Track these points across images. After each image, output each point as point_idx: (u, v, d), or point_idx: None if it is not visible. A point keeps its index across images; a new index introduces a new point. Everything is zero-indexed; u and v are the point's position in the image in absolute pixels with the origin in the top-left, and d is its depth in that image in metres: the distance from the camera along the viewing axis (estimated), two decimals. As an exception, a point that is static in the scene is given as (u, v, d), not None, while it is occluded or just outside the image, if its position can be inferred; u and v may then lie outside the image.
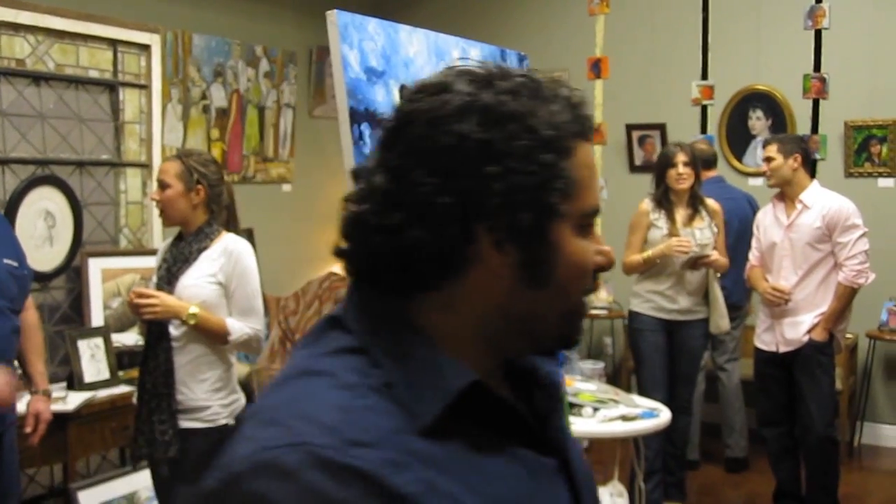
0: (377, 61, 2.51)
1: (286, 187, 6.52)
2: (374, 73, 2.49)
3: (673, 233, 4.32)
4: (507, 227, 0.82)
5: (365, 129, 2.43)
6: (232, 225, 3.17)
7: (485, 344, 0.87)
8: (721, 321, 4.45)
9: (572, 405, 3.35)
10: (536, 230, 0.83)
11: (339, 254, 0.89)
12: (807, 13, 5.70)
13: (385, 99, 2.50)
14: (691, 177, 4.35)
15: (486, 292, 0.85)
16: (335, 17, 2.39)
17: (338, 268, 6.68)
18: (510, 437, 0.86)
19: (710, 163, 5.11)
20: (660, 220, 4.36)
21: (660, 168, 4.40)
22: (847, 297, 4.19)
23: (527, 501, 0.84)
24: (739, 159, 5.96)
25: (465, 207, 0.81)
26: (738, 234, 4.71)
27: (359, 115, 2.42)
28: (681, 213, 4.38)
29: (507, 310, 0.86)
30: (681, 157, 4.33)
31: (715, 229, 4.43)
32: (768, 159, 4.38)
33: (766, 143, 4.54)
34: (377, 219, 0.83)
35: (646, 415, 3.70)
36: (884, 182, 5.54)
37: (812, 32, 5.70)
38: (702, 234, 4.36)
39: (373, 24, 2.52)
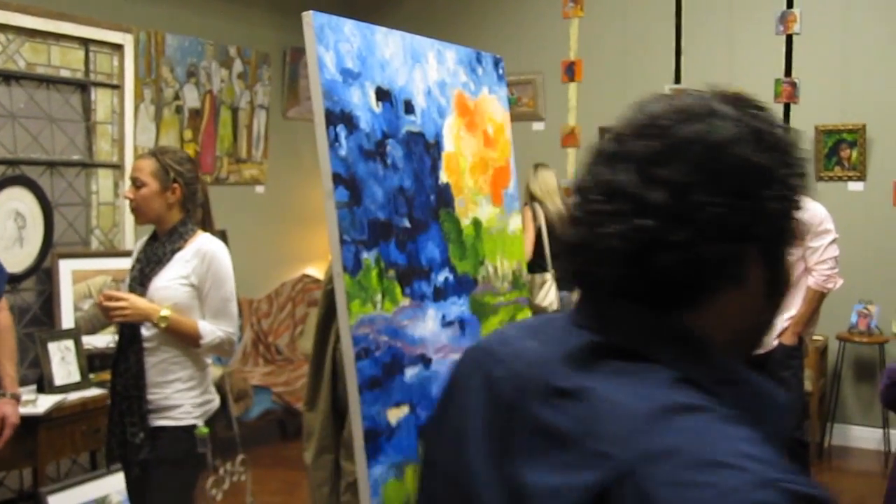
0: (353, 63, 2.50)
1: (259, 189, 6.49)
2: (349, 75, 2.48)
3: None
4: (773, 247, 0.90)
5: (341, 130, 2.42)
6: (207, 224, 3.14)
7: (735, 354, 0.91)
8: None
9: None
10: (787, 250, 0.92)
11: (590, 273, 0.90)
12: (778, 18, 5.76)
13: (361, 101, 2.50)
14: None
15: (746, 306, 0.90)
16: (311, 19, 2.38)
17: (311, 269, 6.66)
18: None
19: None
20: None
21: None
22: (816, 301, 4.23)
23: None
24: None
25: (747, 227, 0.86)
26: None
27: (334, 117, 2.41)
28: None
29: (755, 321, 0.93)
30: None
31: None
32: None
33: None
34: (663, 234, 0.84)
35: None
36: (854, 186, 5.60)
37: (783, 37, 5.77)
38: None
39: (349, 26, 2.52)
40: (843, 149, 5.64)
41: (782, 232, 0.90)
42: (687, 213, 0.85)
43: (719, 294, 0.88)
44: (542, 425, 0.86)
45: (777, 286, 0.92)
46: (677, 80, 6.05)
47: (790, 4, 5.74)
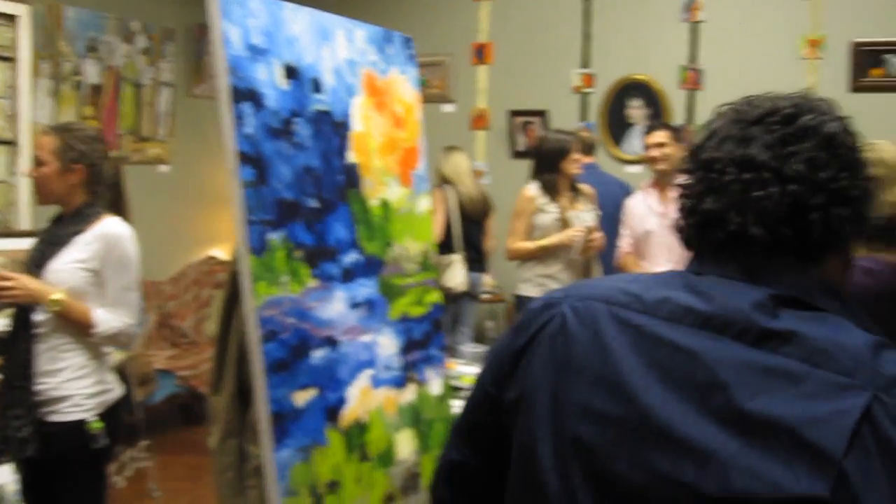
0: (260, 39, 2.45)
1: (164, 168, 6.33)
2: (256, 51, 2.43)
3: (564, 217, 4.41)
4: (865, 218, 1.09)
5: (247, 108, 2.37)
6: (120, 208, 2.95)
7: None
8: None
9: (455, 388, 3.36)
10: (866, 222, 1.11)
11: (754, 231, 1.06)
12: (683, 6, 5.87)
13: (268, 78, 2.45)
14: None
15: (842, 263, 1.11)
16: (216, -8, 2.32)
17: (217, 251, 6.54)
18: None
19: (588, 149, 5.23)
20: (548, 205, 4.43)
21: (555, 155, 4.46)
22: None
23: None
24: (618, 146, 6.09)
25: (856, 198, 1.06)
26: (611, 219, 4.81)
27: (240, 94, 2.36)
28: (565, 198, 4.48)
29: (843, 277, 1.13)
30: (577, 146, 4.46)
31: (599, 211, 4.56)
32: (660, 145, 4.48)
33: (654, 129, 4.64)
34: (806, 198, 1.04)
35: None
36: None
37: (689, 25, 5.88)
38: (588, 217, 4.47)
39: (255, 2, 2.46)
40: (745, 135, 5.77)
41: (868, 209, 1.10)
42: (821, 182, 1.04)
43: (834, 252, 1.08)
44: (761, 364, 0.97)
45: (851, 256, 1.13)
46: (585, 64, 6.13)
47: (695, -8, 5.86)
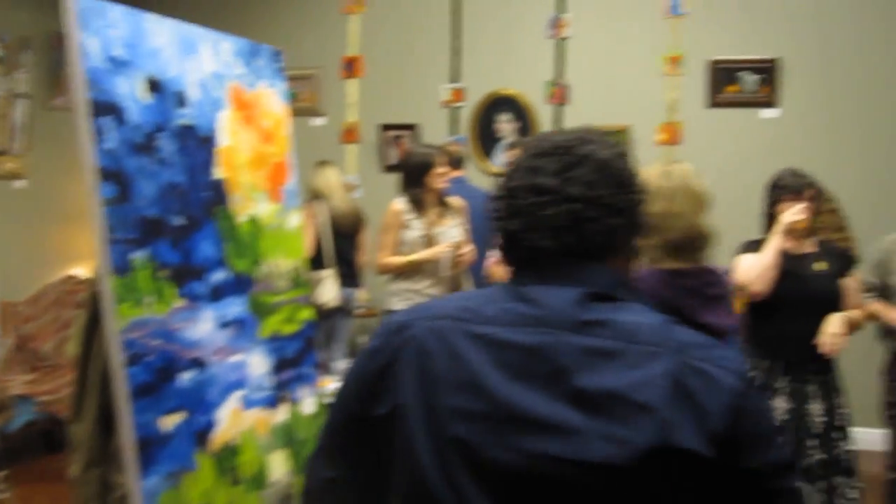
0: (121, 50, 2.36)
1: (19, 184, 6.04)
2: (117, 63, 2.34)
3: (429, 233, 4.41)
4: (637, 223, 1.34)
5: (107, 122, 2.28)
6: None
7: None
8: None
9: (329, 406, 3.32)
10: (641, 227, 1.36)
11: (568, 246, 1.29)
12: (550, 22, 6.00)
13: (130, 91, 2.36)
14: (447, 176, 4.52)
15: (625, 260, 1.35)
16: (72, 2, 2.23)
17: (78, 269, 6.29)
18: None
19: (456, 163, 5.27)
20: (414, 220, 4.42)
21: (419, 170, 4.45)
22: None
23: None
24: (488, 160, 6.15)
25: (625, 209, 1.30)
26: (478, 231, 4.85)
27: (100, 108, 2.27)
28: (432, 213, 4.48)
29: (628, 271, 1.37)
30: (442, 160, 4.46)
31: (467, 225, 4.59)
32: None
33: (515, 146, 4.72)
34: (584, 213, 1.27)
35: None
36: (619, 184, 5.90)
37: (555, 41, 6.00)
38: (454, 232, 4.49)
39: (116, 11, 2.37)
40: (610, 149, 5.92)
41: (639, 217, 1.34)
42: (595, 199, 1.28)
43: (615, 253, 1.31)
44: (588, 347, 1.21)
45: (635, 251, 1.37)
46: (454, 79, 6.18)
47: (561, 9, 5.99)
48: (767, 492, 1.19)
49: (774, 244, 3.48)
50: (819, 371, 3.55)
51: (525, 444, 1.19)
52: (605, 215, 1.28)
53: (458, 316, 1.30)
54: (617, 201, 1.29)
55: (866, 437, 4.41)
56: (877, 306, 4.03)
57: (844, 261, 3.83)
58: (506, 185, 1.34)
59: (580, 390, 1.18)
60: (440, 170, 4.44)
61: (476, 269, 4.72)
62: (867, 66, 5.55)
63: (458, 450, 1.23)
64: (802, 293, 3.52)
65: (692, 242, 2.35)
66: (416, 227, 4.41)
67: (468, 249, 4.46)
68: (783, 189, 3.62)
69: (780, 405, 3.48)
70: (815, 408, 3.48)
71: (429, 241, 4.42)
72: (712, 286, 2.30)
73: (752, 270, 3.47)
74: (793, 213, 3.51)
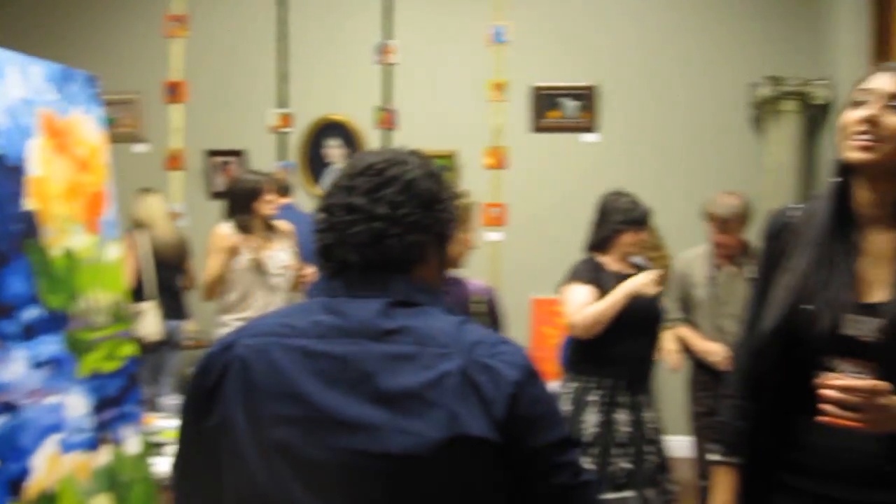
0: (-85, 75, 2.20)
1: None
2: (-89, 89, 2.18)
3: (257, 257, 4.36)
4: (443, 239, 1.49)
5: None
6: None
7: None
8: None
9: (155, 444, 3.18)
10: (449, 242, 1.52)
11: (370, 261, 1.44)
12: (376, 48, 6.03)
13: (-74, 118, 2.20)
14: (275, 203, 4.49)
15: (433, 271, 1.50)
16: None
17: None
18: None
19: (284, 190, 5.23)
20: (241, 246, 4.36)
21: (247, 196, 4.39)
22: None
23: None
24: (318, 185, 6.11)
25: (430, 226, 1.46)
26: (310, 257, 4.83)
27: None
28: (259, 238, 4.43)
29: (438, 279, 1.52)
30: (270, 186, 4.43)
31: (294, 249, 4.56)
32: None
33: None
34: (387, 231, 1.42)
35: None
36: (450, 207, 5.98)
37: (383, 67, 6.04)
38: (284, 256, 4.45)
39: None
40: (439, 173, 6.00)
41: (448, 229, 1.50)
42: (399, 217, 1.43)
43: (421, 264, 1.46)
44: (389, 353, 1.37)
45: (445, 261, 1.53)
46: (282, 104, 6.11)
47: (388, 36, 6.04)
48: (551, 466, 1.38)
49: (617, 300, 3.52)
50: (646, 386, 3.69)
51: (337, 443, 1.35)
52: (408, 232, 1.44)
53: (276, 332, 1.44)
54: (421, 219, 1.45)
55: (679, 445, 4.63)
56: (683, 332, 4.27)
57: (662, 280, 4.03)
58: (325, 201, 1.49)
59: (382, 392, 1.35)
60: (268, 196, 4.39)
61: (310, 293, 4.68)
62: (679, 91, 5.86)
63: (280, 451, 1.38)
64: (632, 313, 3.63)
65: None
66: (244, 253, 4.34)
67: (310, 271, 4.44)
68: (631, 222, 3.75)
69: (591, 418, 3.57)
70: (623, 418, 3.59)
71: (257, 265, 4.36)
72: (448, 294, 2.60)
73: (587, 317, 3.52)
74: (646, 283, 3.61)
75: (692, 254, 4.36)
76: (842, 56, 5.29)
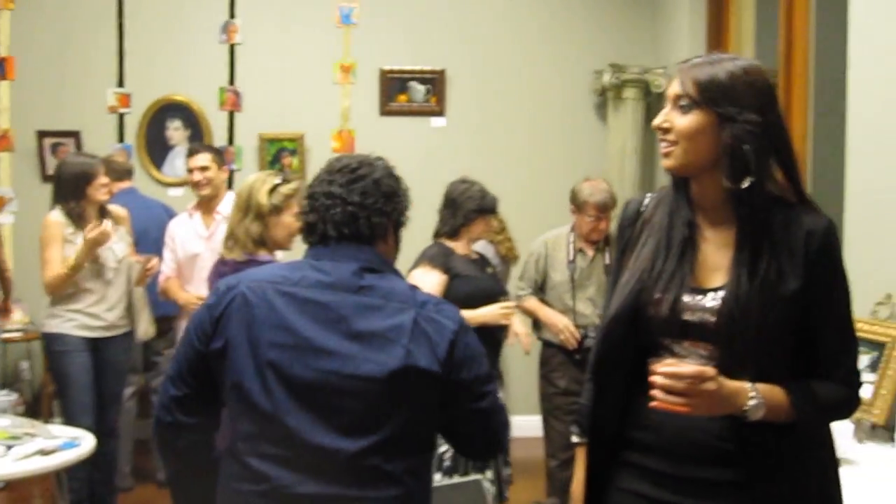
0: None
1: None
2: None
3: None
4: (399, 223, 2.04)
5: None
6: None
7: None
8: (150, 328, 4.45)
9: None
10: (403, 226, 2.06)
11: (350, 233, 1.97)
12: (221, 28, 5.84)
13: None
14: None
15: (391, 246, 2.05)
16: None
17: None
18: None
19: (125, 174, 5.01)
20: (74, 234, 4.11)
21: (78, 181, 4.13)
22: None
23: None
24: (159, 169, 5.88)
25: (391, 213, 1.99)
26: (157, 244, 4.63)
27: None
28: (92, 225, 4.13)
29: (394, 254, 2.07)
30: (102, 170, 4.17)
31: (129, 238, 4.33)
32: (203, 168, 4.40)
33: (195, 152, 4.54)
34: (359, 212, 1.95)
35: (66, 445, 3.46)
36: (295, 191, 5.87)
37: (227, 47, 5.86)
38: (120, 248, 4.22)
39: None
40: (285, 156, 5.87)
41: (402, 218, 2.05)
42: (368, 204, 1.95)
43: (382, 241, 1.99)
44: (361, 303, 1.88)
45: (398, 241, 2.07)
46: (120, 83, 5.85)
47: (232, 15, 5.85)
48: (478, 394, 1.92)
49: (476, 323, 3.38)
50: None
51: (318, 365, 1.85)
52: (373, 215, 1.96)
53: (272, 280, 1.93)
54: (382, 206, 1.98)
55: (530, 425, 4.71)
56: (531, 303, 4.33)
57: (506, 261, 4.12)
58: (309, 190, 2.01)
59: (354, 331, 1.87)
60: (102, 180, 4.16)
61: (151, 283, 4.50)
62: (525, 77, 5.95)
63: (272, 369, 1.86)
64: (483, 293, 3.72)
65: (236, 239, 3.16)
66: (76, 242, 4.09)
67: (156, 261, 4.27)
68: (483, 210, 3.88)
69: None
70: None
71: (95, 256, 4.13)
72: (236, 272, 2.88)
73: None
74: (503, 314, 3.73)
75: (552, 235, 4.42)
76: (680, 45, 5.46)
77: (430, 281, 3.58)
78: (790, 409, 1.71)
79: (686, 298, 1.76)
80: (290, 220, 3.21)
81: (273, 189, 3.24)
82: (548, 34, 5.86)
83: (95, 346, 4.24)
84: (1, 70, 5.81)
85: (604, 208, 4.20)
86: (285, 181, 3.30)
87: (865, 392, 3.07)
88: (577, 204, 4.24)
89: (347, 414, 1.83)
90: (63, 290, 4.14)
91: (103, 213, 4.22)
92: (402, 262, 3.76)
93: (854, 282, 3.50)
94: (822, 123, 4.19)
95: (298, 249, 2.29)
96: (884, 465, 2.82)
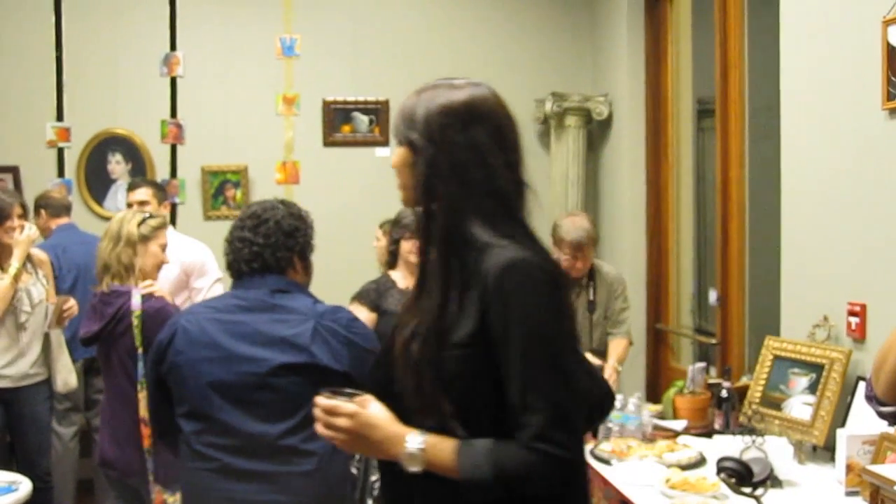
0: None
1: None
2: None
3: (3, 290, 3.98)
4: (306, 254, 2.58)
5: None
6: None
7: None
8: (70, 377, 4.27)
9: None
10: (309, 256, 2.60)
11: (266, 265, 2.49)
12: (162, 60, 5.80)
13: None
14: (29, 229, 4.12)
15: (300, 272, 2.56)
16: None
17: None
18: None
19: (63, 210, 4.93)
20: None
21: None
22: None
23: None
24: (100, 203, 5.79)
25: (294, 247, 2.52)
26: (82, 279, 4.54)
27: None
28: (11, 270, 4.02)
29: (304, 277, 2.58)
30: (17, 210, 4.05)
31: (44, 280, 4.21)
32: (143, 202, 4.39)
33: (136, 186, 4.50)
34: (263, 251, 2.47)
35: (2, 491, 3.37)
36: (239, 225, 5.82)
37: (168, 79, 5.82)
38: (37, 291, 4.11)
39: None
40: (228, 188, 5.82)
41: (307, 249, 2.56)
42: (271, 244, 2.47)
43: (290, 269, 2.50)
44: (272, 318, 2.42)
45: (308, 267, 2.58)
46: (59, 117, 5.77)
47: (173, 47, 5.81)
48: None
49: None
50: None
51: (239, 369, 2.39)
52: (277, 251, 2.47)
53: (203, 310, 2.56)
54: (284, 242, 2.48)
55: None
56: None
57: None
58: (228, 236, 2.53)
59: (267, 339, 2.40)
60: (11, 223, 4.03)
61: (75, 321, 4.29)
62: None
63: (206, 378, 2.41)
64: None
65: (107, 268, 3.30)
66: None
67: (72, 304, 4.10)
68: (406, 227, 3.75)
69: None
70: None
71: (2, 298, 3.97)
72: (106, 304, 3.23)
73: None
74: None
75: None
76: (620, 73, 5.54)
77: (360, 318, 3.55)
78: (455, 468, 1.51)
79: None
80: (156, 249, 3.41)
81: (142, 221, 3.38)
82: (489, 64, 5.89)
83: (8, 398, 4.10)
84: (-65, 105, 5.71)
85: (579, 247, 4.02)
86: (152, 216, 3.49)
87: (803, 413, 3.13)
88: (555, 240, 4.05)
89: (267, 405, 2.38)
90: (4, 306, 3.99)
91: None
92: (342, 287, 3.77)
93: (791, 304, 3.59)
94: (757, 148, 4.27)
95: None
96: (825, 486, 2.86)
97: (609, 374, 3.99)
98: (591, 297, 4.17)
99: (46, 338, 4.17)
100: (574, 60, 6.01)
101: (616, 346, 4.22)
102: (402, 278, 3.80)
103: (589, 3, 6.00)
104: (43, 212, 4.95)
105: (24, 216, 4.12)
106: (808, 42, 3.42)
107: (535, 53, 6.01)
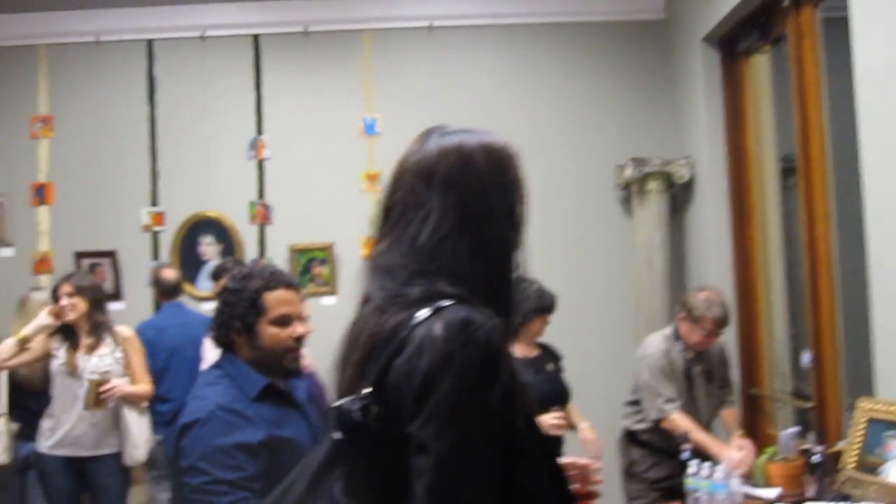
0: None
1: None
2: None
3: (70, 361, 4.22)
4: (252, 326, 2.45)
5: None
6: None
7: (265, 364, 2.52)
8: (135, 452, 4.37)
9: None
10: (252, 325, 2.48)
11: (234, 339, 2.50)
12: (249, 144, 6.00)
13: None
14: (78, 307, 4.31)
15: (245, 347, 2.48)
16: None
17: None
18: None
19: (170, 289, 5.14)
20: (58, 349, 4.28)
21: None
22: None
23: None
24: (193, 284, 5.97)
25: (239, 319, 2.46)
26: (190, 363, 4.67)
27: None
28: (85, 342, 4.30)
29: (256, 356, 2.49)
30: (65, 289, 4.29)
31: (119, 355, 4.35)
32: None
33: (221, 274, 4.67)
34: (226, 320, 2.48)
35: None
36: (327, 300, 5.91)
37: (255, 162, 6.01)
38: (101, 361, 4.26)
39: None
40: (315, 266, 5.94)
41: (251, 325, 2.46)
42: (225, 319, 2.48)
43: (237, 344, 2.48)
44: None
45: (256, 343, 2.47)
46: (154, 202, 6.00)
47: (260, 131, 6.02)
48: None
49: None
50: None
51: None
52: (234, 321, 2.46)
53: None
54: (235, 314, 2.46)
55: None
56: (684, 423, 3.93)
57: (558, 357, 4.13)
58: (221, 293, 2.57)
59: None
60: (64, 300, 4.29)
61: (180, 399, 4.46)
62: (548, 176, 5.95)
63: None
64: (542, 394, 3.74)
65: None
66: (58, 357, 4.25)
67: (111, 385, 4.18)
68: (541, 309, 3.99)
69: None
70: None
71: (72, 370, 4.20)
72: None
73: None
74: (556, 426, 3.80)
75: (659, 344, 4.17)
76: (700, 135, 5.49)
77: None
78: None
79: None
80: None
81: None
82: (568, 132, 5.92)
83: (80, 468, 4.33)
84: (41, 195, 6.02)
85: (722, 323, 4.02)
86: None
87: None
88: (694, 317, 4.01)
89: None
90: (5, 364, 4.22)
91: (97, 331, 4.30)
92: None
93: (884, 363, 3.43)
94: (842, 204, 4.15)
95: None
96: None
97: (748, 449, 3.85)
98: (708, 366, 4.15)
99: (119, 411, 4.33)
100: (653, 124, 5.98)
101: (733, 416, 4.29)
102: (520, 348, 3.95)
103: (666, 65, 5.98)
104: (155, 291, 5.21)
105: (73, 295, 4.33)
106: (882, 92, 3.34)
107: (613, 119, 6.01)
